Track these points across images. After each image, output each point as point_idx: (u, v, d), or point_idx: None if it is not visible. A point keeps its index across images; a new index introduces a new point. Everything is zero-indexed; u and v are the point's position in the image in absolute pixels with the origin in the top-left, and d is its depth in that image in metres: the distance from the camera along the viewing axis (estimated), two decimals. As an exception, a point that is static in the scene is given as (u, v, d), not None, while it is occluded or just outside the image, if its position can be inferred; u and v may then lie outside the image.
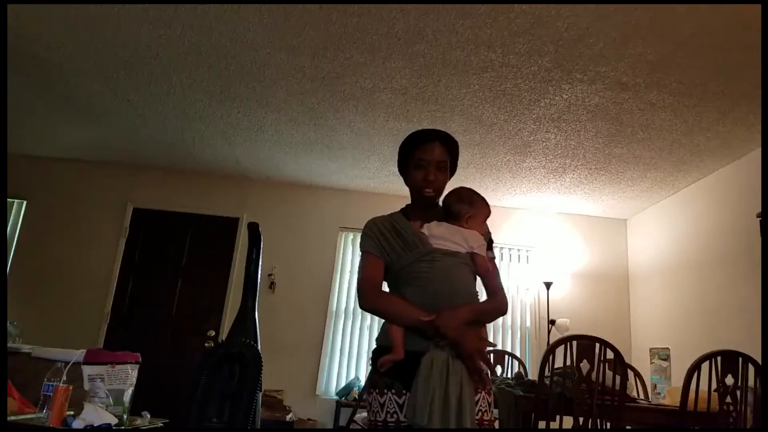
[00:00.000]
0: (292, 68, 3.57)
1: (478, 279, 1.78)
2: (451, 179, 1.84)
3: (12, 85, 4.11)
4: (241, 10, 3.01)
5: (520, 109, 3.83)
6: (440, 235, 1.71)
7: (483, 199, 1.83)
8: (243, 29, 3.18)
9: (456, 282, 1.66)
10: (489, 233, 1.84)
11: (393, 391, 1.58)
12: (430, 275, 1.65)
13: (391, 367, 1.59)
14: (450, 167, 1.81)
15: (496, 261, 1.85)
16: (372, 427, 1.61)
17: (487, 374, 1.66)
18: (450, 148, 1.80)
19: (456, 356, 1.55)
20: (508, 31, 2.99)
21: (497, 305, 1.75)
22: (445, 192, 1.83)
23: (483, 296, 1.78)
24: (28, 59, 3.70)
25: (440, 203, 1.84)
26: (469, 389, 1.53)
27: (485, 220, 1.81)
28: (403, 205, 1.87)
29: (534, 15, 2.84)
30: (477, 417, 1.57)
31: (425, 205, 1.79)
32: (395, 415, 1.56)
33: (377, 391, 1.61)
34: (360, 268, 1.76)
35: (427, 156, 1.74)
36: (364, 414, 4.64)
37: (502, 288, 1.78)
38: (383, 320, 1.71)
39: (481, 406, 1.60)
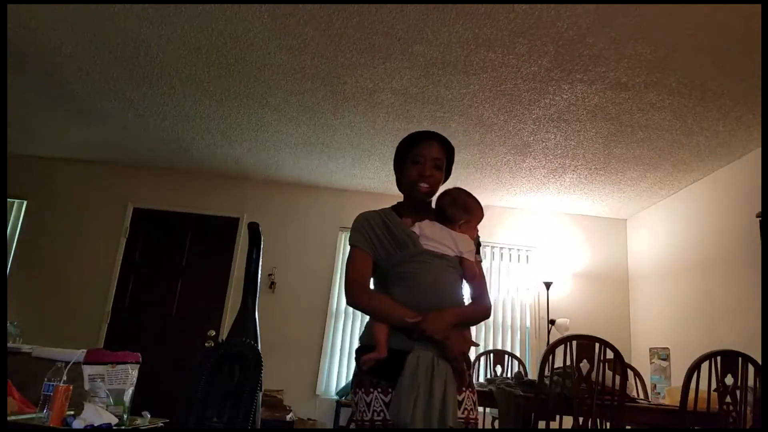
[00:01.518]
0: (292, 68, 3.57)
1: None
2: (445, 183, 1.85)
3: (12, 85, 4.11)
4: (241, 10, 3.01)
5: (520, 109, 3.83)
6: (431, 236, 1.70)
7: (477, 202, 1.83)
8: (243, 29, 3.18)
9: (443, 284, 1.67)
10: (478, 237, 1.84)
11: (379, 389, 1.58)
12: (418, 276, 1.66)
13: (374, 365, 1.59)
14: (446, 169, 1.82)
15: (483, 266, 1.87)
16: (359, 427, 1.59)
17: (470, 374, 1.69)
18: (446, 148, 1.81)
19: (441, 356, 1.57)
20: (508, 31, 2.99)
21: (481, 309, 1.76)
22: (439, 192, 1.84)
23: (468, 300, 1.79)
24: (28, 59, 3.70)
25: (433, 203, 1.84)
26: (453, 389, 1.55)
27: (477, 224, 1.82)
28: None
29: (534, 15, 2.84)
30: (463, 415, 1.60)
31: (418, 202, 1.79)
32: (382, 414, 1.55)
33: (363, 390, 1.60)
34: (348, 262, 1.75)
35: (424, 152, 1.76)
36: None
37: (487, 293, 1.79)
38: (368, 317, 1.72)
39: (467, 404, 1.63)
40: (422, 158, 1.75)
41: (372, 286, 1.75)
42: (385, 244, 1.71)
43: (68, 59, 3.68)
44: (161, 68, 3.71)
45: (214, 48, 3.41)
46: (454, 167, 1.89)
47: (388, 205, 1.84)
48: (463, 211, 1.77)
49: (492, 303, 1.81)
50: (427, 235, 1.70)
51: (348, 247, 1.79)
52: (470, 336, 1.74)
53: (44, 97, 4.30)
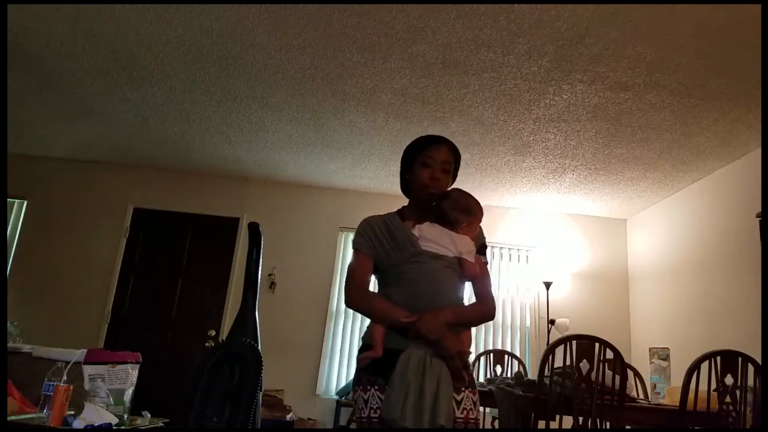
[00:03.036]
0: (292, 68, 3.57)
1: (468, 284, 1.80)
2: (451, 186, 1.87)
3: (12, 85, 4.11)
4: (241, 10, 3.01)
5: (519, 109, 3.83)
6: (430, 237, 1.72)
7: (478, 204, 1.84)
8: (243, 29, 3.18)
9: (440, 285, 1.69)
10: (483, 238, 1.86)
11: (376, 387, 1.61)
12: (415, 277, 1.68)
13: (371, 363, 1.63)
14: (453, 172, 1.85)
15: (489, 266, 1.87)
16: (358, 425, 1.64)
17: (470, 374, 1.69)
18: (454, 153, 1.85)
19: (435, 355, 1.57)
20: (508, 31, 2.99)
21: (482, 309, 1.77)
22: None
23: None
24: (28, 59, 3.70)
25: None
26: (447, 388, 1.54)
27: (478, 224, 1.83)
28: (401, 206, 1.89)
29: (534, 15, 2.85)
30: (462, 415, 1.60)
31: (423, 205, 1.81)
32: (378, 411, 1.59)
33: (361, 387, 1.64)
34: (349, 265, 1.80)
35: (434, 155, 1.79)
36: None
37: (491, 293, 1.80)
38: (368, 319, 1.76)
39: (465, 404, 1.63)
40: (433, 161, 1.79)
41: (375, 288, 1.79)
42: (385, 245, 1.74)
43: (68, 59, 3.68)
44: (161, 68, 3.71)
45: (214, 48, 3.41)
46: (454, 168, 1.91)
47: (387, 205, 1.86)
48: (466, 214, 1.78)
49: (495, 304, 1.80)
50: (426, 236, 1.72)
51: (348, 248, 1.83)
52: (469, 338, 1.74)
53: (44, 97, 4.30)
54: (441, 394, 1.52)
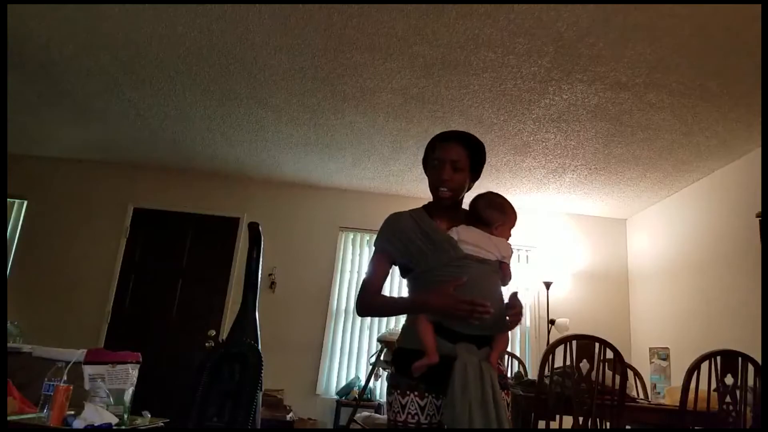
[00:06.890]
0: (292, 68, 3.57)
1: None
2: (476, 183, 1.84)
3: (12, 85, 4.11)
4: (241, 10, 3.01)
5: (520, 109, 3.83)
6: (471, 240, 1.66)
7: (512, 207, 1.79)
8: (243, 29, 3.19)
9: (487, 290, 1.62)
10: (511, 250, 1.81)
11: (416, 393, 1.58)
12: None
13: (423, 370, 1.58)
14: (472, 169, 1.76)
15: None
16: (391, 427, 1.61)
17: (506, 375, 1.68)
18: (470, 148, 1.74)
19: (485, 360, 1.54)
20: (508, 31, 2.99)
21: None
22: (470, 196, 1.82)
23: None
24: (28, 59, 3.70)
25: (463, 205, 1.82)
26: (499, 391, 1.52)
27: (511, 228, 1.77)
28: (408, 204, 1.87)
29: (534, 15, 2.85)
30: None
31: (443, 206, 1.75)
32: (416, 417, 1.57)
33: (399, 392, 1.60)
34: (369, 265, 1.76)
35: (442, 154, 1.71)
36: (365, 413, 4.64)
37: None
38: (405, 323, 1.72)
39: None
40: (439, 162, 1.71)
41: (407, 292, 1.76)
42: (421, 247, 1.67)
43: (68, 59, 3.68)
44: (161, 68, 3.71)
45: (214, 48, 3.41)
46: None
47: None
48: (500, 213, 1.73)
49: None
50: (465, 239, 1.66)
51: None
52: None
53: (44, 97, 4.30)
54: (498, 399, 1.49)
